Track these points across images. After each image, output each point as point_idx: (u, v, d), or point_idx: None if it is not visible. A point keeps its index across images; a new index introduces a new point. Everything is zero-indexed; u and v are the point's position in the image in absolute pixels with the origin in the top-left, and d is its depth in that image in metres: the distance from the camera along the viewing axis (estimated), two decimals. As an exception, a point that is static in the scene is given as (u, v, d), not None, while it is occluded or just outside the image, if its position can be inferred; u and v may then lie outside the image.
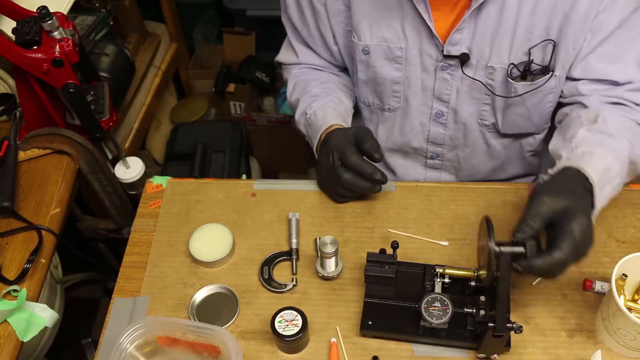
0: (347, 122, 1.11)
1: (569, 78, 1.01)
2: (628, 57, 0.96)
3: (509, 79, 0.99)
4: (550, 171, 0.89)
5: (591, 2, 0.90)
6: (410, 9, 0.97)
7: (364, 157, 0.98)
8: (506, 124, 1.08)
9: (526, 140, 1.14)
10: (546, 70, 0.98)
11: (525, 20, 0.93)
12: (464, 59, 0.99)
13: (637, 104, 0.98)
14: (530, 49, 0.95)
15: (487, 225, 0.79)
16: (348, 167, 0.98)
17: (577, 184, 0.83)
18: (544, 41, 0.95)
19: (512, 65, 0.98)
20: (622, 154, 0.90)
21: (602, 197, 0.85)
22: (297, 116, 1.16)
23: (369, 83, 1.11)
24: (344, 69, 1.21)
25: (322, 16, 1.08)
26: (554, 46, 0.95)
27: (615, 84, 0.98)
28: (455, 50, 0.99)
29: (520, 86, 0.99)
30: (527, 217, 0.78)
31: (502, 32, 0.95)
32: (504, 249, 0.78)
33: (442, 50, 0.99)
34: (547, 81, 0.99)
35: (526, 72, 0.98)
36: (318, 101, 1.11)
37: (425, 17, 0.96)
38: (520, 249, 0.77)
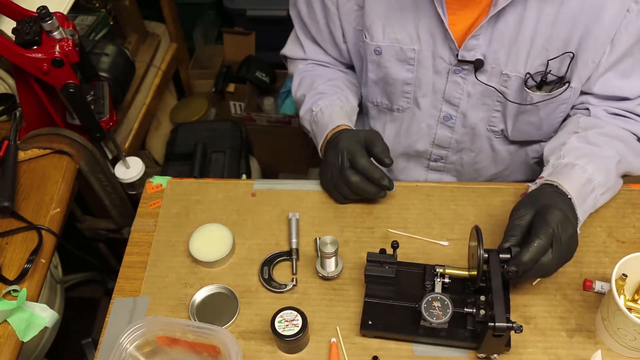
0: (352, 122, 1.11)
1: (586, 92, 1.01)
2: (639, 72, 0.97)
3: (525, 89, 0.99)
4: (533, 185, 0.94)
5: (615, 16, 0.90)
6: (426, 10, 0.97)
7: (374, 161, 0.98)
8: (515, 131, 1.08)
9: (532, 147, 1.14)
10: (562, 81, 0.98)
11: (545, 31, 0.93)
12: (478, 65, 0.99)
13: None
14: (548, 60, 0.95)
15: (477, 235, 0.83)
16: (357, 170, 0.98)
17: (554, 196, 0.88)
18: (563, 54, 0.94)
19: (528, 75, 0.97)
20: (607, 163, 0.94)
21: (584, 208, 0.91)
22: (302, 112, 1.16)
23: (379, 83, 1.11)
24: (351, 66, 1.20)
25: (332, 14, 1.07)
26: (572, 58, 0.95)
27: (627, 99, 1.00)
28: (470, 56, 0.98)
29: (537, 95, 0.99)
30: (508, 230, 0.85)
31: (520, 41, 0.94)
32: (492, 255, 0.83)
33: (457, 55, 0.99)
34: (563, 92, 0.99)
35: (542, 82, 0.98)
36: (324, 99, 1.11)
37: (444, 19, 0.95)
38: (507, 255, 0.83)
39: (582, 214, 0.90)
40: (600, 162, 0.93)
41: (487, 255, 0.83)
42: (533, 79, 0.98)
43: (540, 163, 1.19)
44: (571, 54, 0.94)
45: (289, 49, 1.23)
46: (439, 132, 1.12)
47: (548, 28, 0.92)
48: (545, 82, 0.98)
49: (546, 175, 0.93)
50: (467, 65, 1.00)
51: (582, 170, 0.91)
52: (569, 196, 0.88)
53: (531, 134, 1.09)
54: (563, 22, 0.92)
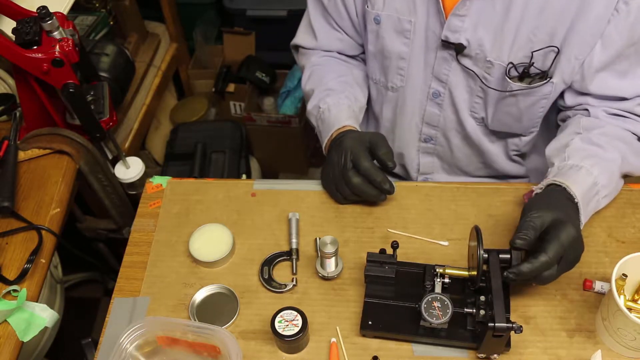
0: (359, 121, 1.12)
1: (581, 92, 1.01)
2: (638, 73, 0.97)
3: (507, 78, 0.99)
4: (540, 186, 0.93)
5: (601, 15, 0.90)
6: None
7: (377, 163, 0.99)
8: (495, 121, 1.09)
9: (512, 140, 1.14)
10: (544, 75, 0.99)
11: (531, 21, 0.93)
12: (459, 49, 0.99)
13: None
14: (533, 52, 0.95)
15: (477, 235, 0.83)
16: (359, 172, 0.98)
17: (564, 200, 0.88)
18: (547, 47, 0.94)
19: (511, 65, 0.98)
20: (611, 166, 0.94)
21: (587, 211, 0.91)
22: (309, 107, 1.16)
23: (378, 56, 1.11)
24: (362, 54, 1.21)
25: None
26: (557, 53, 0.95)
27: (624, 99, 1.00)
28: (454, 38, 0.99)
29: (516, 85, 1.00)
30: (523, 227, 0.83)
31: (506, 29, 0.95)
32: (492, 256, 0.83)
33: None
34: (542, 85, 0.99)
35: (524, 74, 0.98)
36: (333, 96, 1.12)
37: None
38: (507, 256, 0.83)
39: (584, 217, 0.90)
40: (605, 164, 0.93)
41: (486, 256, 0.83)
42: (516, 70, 0.98)
43: (521, 157, 1.19)
44: (556, 49, 0.95)
45: (301, 38, 1.23)
46: (428, 108, 1.13)
47: (535, 18, 0.93)
48: (528, 74, 0.99)
49: (551, 176, 0.93)
50: (450, 48, 1.00)
51: (588, 173, 0.91)
52: (576, 200, 0.88)
53: (510, 126, 1.09)
54: (550, 14, 0.92)
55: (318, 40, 1.19)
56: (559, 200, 0.88)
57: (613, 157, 0.95)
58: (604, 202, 0.96)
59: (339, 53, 1.21)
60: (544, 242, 0.82)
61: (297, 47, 1.27)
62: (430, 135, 1.17)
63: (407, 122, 1.17)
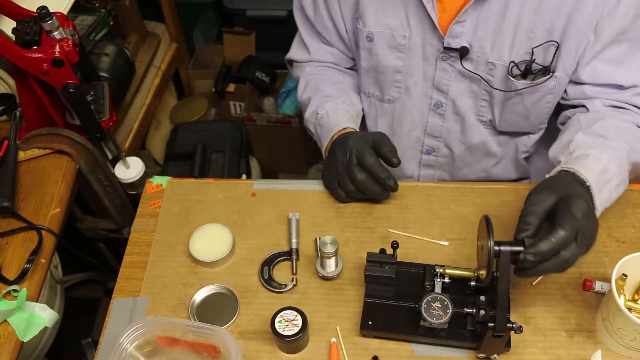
0: (357, 125, 1.12)
1: (576, 82, 1.01)
2: (633, 62, 0.97)
3: (510, 77, 0.99)
4: (547, 176, 0.90)
5: (595, 4, 0.90)
6: None
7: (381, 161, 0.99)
8: (503, 122, 1.09)
9: (521, 139, 1.14)
10: (547, 70, 0.99)
11: (529, 19, 0.94)
12: (463, 53, 0.99)
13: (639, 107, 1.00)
14: (533, 48, 0.96)
15: (487, 224, 0.78)
16: (364, 168, 0.98)
17: (573, 183, 0.84)
18: (547, 42, 0.95)
19: (512, 64, 0.98)
20: (619, 154, 0.92)
21: (601, 197, 0.86)
22: (307, 115, 1.16)
23: (371, 72, 1.11)
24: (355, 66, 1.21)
25: (333, 2, 1.09)
26: (557, 47, 0.95)
27: (621, 87, 1.00)
28: (456, 43, 0.99)
29: (520, 83, 1.00)
30: (524, 215, 0.79)
31: (505, 29, 0.95)
32: (503, 248, 0.77)
33: (444, 42, 0.99)
34: (546, 81, 0.99)
35: (527, 71, 0.99)
36: (330, 102, 1.12)
37: (428, 6, 0.96)
38: (520, 248, 0.77)
39: (599, 204, 0.86)
40: (613, 152, 0.90)
41: (498, 249, 0.77)
42: (518, 68, 0.99)
43: (528, 159, 1.19)
44: (556, 43, 0.95)
45: (294, 52, 1.24)
46: (431, 120, 1.13)
47: (531, 16, 0.93)
48: (530, 71, 0.99)
49: (559, 167, 0.90)
50: (453, 53, 1.01)
51: (597, 159, 0.88)
52: (587, 184, 0.84)
53: (518, 125, 1.09)
54: (546, 11, 0.93)
55: (311, 54, 1.20)
56: (567, 183, 0.84)
57: (619, 145, 0.92)
58: (617, 192, 0.91)
59: (333, 64, 1.22)
60: (556, 217, 0.77)
61: (291, 62, 1.27)
62: (433, 146, 1.17)
63: (406, 134, 1.16)
